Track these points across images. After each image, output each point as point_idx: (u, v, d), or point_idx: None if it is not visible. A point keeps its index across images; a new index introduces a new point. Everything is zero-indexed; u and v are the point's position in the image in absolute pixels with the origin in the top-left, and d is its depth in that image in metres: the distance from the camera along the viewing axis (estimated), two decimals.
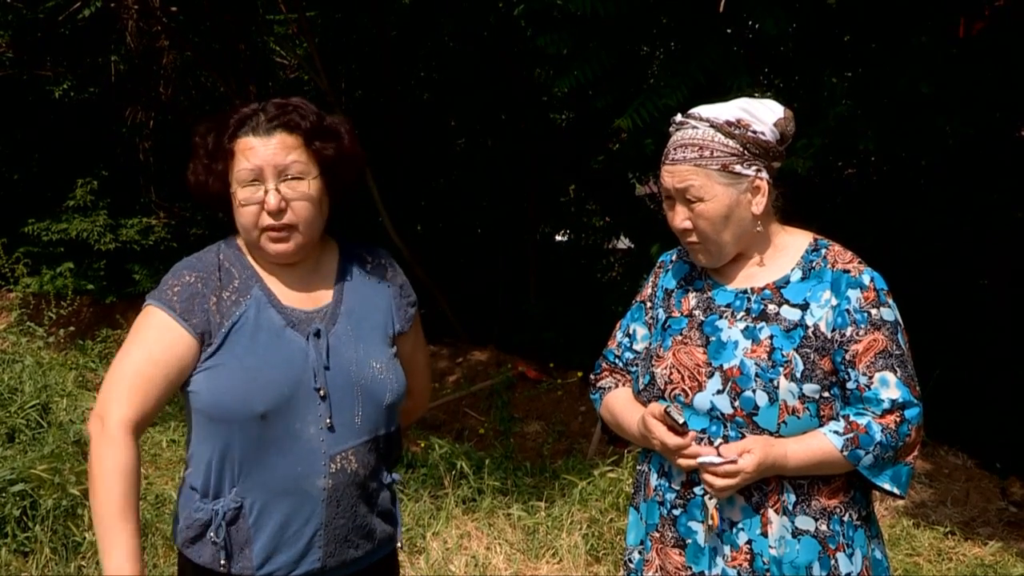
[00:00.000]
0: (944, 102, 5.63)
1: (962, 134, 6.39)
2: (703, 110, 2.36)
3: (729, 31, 5.72)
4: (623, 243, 11.19)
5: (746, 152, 2.30)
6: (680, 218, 2.36)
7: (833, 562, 2.27)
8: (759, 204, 2.33)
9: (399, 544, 2.46)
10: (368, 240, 2.52)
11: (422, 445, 6.29)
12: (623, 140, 8.00)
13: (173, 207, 11.26)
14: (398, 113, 9.99)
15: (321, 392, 2.20)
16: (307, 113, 2.23)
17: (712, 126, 2.32)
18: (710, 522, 2.29)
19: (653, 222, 9.33)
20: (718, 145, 2.30)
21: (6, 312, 9.80)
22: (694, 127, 2.34)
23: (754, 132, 2.32)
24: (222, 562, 2.21)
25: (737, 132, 2.31)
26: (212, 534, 2.21)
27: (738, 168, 2.30)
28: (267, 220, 2.19)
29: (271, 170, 2.17)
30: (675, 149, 2.35)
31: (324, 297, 2.32)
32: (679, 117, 2.39)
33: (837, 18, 6.26)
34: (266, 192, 2.17)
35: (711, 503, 2.28)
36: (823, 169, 7.75)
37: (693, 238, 2.36)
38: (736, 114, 2.33)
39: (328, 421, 2.21)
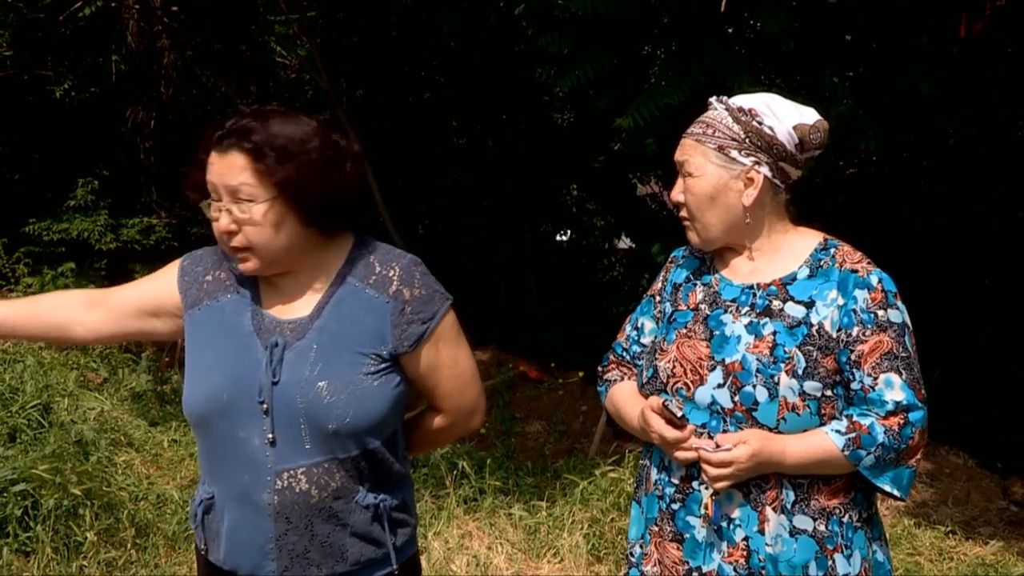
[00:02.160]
0: (945, 102, 5.67)
1: (963, 134, 6.43)
2: (735, 96, 2.41)
3: (730, 31, 5.74)
4: (624, 243, 11.21)
5: (747, 140, 2.31)
6: (676, 191, 2.42)
7: (830, 563, 2.28)
8: (750, 196, 2.33)
9: (393, 570, 2.28)
10: (404, 254, 2.33)
11: None
12: (624, 140, 8.02)
13: (174, 207, 11.25)
14: (399, 113, 10.01)
15: (264, 406, 2.12)
16: (263, 129, 2.11)
17: (726, 109, 2.36)
18: (704, 511, 2.29)
19: (654, 222, 9.39)
20: (722, 127, 2.33)
21: None
22: (715, 108, 2.39)
23: (760, 123, 2.32)
24: (202, 547, 2.28)
25: (743, 119, 2.32)
26: (201, 526, 2.26)
27: (734, 153, 2.31)
28: (225, 240, 2.16)
29: (223, 190, 2.11)
30: (692, 125, 2.41)
31: (305, 307, 2.21)
32: (713, 99, 2.43)
33: (838, 18, 6.28)
34: (219, 212, 2.13)
35: (706, 493, 2.29)
36: (824, 169, 7.78)
37: (684, 213, 2.42)
38: (753, 104, 2.35)
39: (271, 436, 2.12)
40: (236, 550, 2.20)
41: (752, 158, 2.32)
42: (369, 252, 2.27)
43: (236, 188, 2.09)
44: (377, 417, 2.18)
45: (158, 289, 2.32)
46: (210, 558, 2.27)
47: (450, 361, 2.30)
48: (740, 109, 2.33)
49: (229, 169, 2.09)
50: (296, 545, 2.16)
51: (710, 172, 2.33)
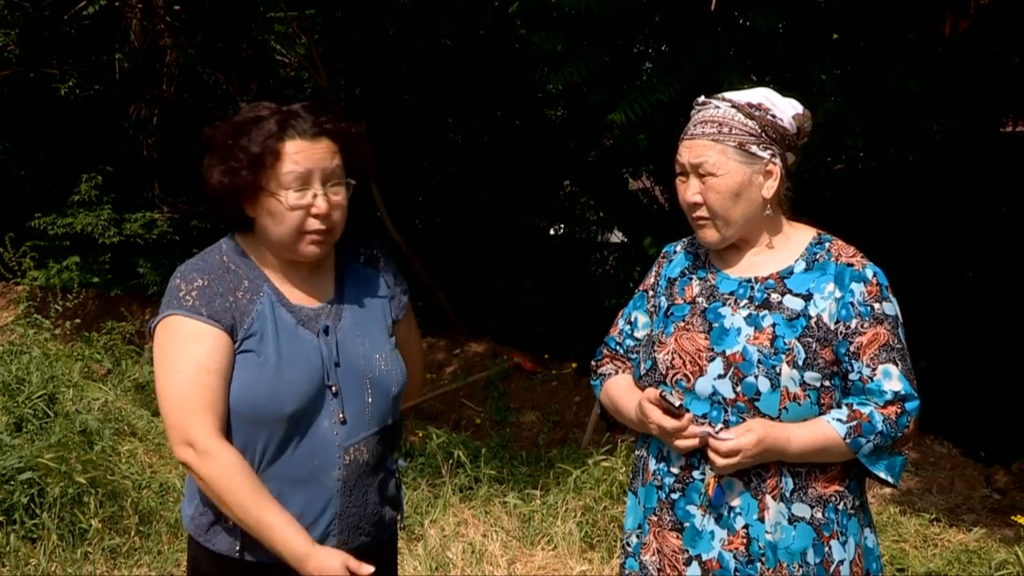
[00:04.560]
0: (930, 99, 5.68)
1: (948, 130, 6.46)
2: (727, 93, 2.42)
3: (720, 29, 5.78)
4: (616, 236, 11.23)
5: (763, 135, 2.35)
6: (692, 192, 2.39)
7: (827, 549, 2.32)
8: (770, 188, 2.37)
9: (400, 526, 2.50)
10: (366, 235, 2.51)
11: (420, 435, 6.34)
12: (616, 136, 8.07)
13: (176, 202, 11.29)
14: (396, 110, 10.03)
15: (333, 388, 2.23)
16: (343, 120, 2.25)
17: (733, 106, 2.37)
18: (704, 491, 2.33)
19: (646, 216, 9.41)
20: (737, 124, 2.35)
21: (14, 305, 9.83)
22: (716, 107, 2.39)
23: (773, 116, 2.37)
24: (238, 549, 2.23)
25: (757, 114, 2.36)
26: (230, 523, 2.21)
27: (754, 148, 2.35)
28: (314, 224, 2.18)
29: (319, 174, 2.17)
30: (695, 126, 2.40)
31: (326, 293, 2.33)
32: (702, 98, 2.44)
33: (826, 16, 6.30)
34: (315, 196, 2.17)
35: (709, 474, 2.32)
36: (812, 165, 7.81)
37: (702, 212, 2.39)
38: (758, 98, 2.39)
39: (341, 416, 2.24)
40: None
41: (769, 151, 2.36)
42: (346, 241, 2.40)
43: (332, 171, 2.21)
44: (407, 380, 2.40)
45: (221, 356, 2.18)
46: (248, 558, 2.25)
47: (416, 329, 2.57)
48: (751, 105, 2.37)
49: (325, 153, 2.20)
50: (353, 519, 2.30)
51: (733, 169, 2.34)
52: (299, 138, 2.17)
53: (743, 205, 2.37)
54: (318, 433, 2.22)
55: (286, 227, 2.19)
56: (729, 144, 2.35)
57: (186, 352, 2.16)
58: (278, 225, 2.19)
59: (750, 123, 2.36)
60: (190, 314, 2.17)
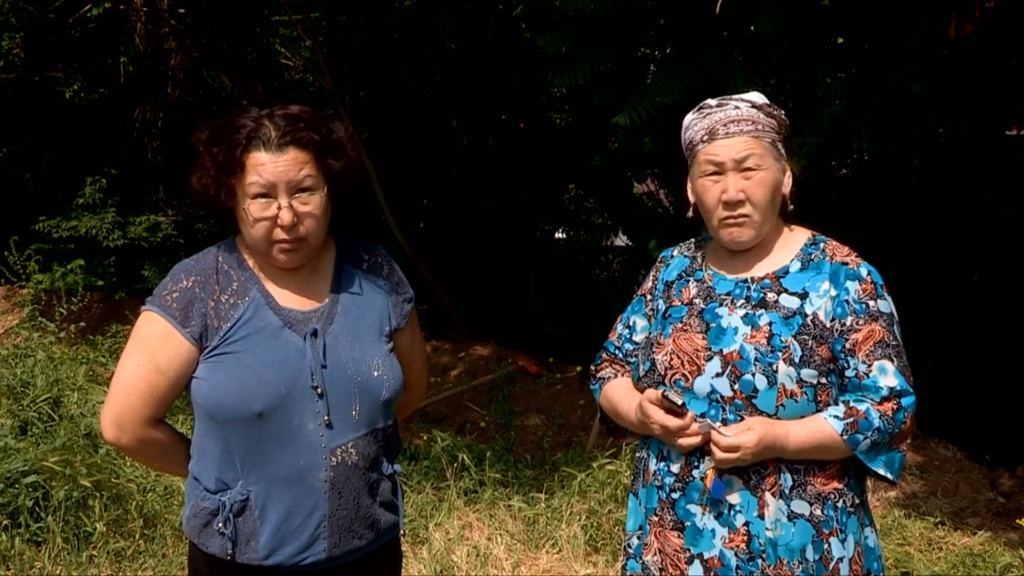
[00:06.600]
0: (935, 102, 5.69)
1: (952, 133, 6.45)
2: (734, 96, 2.45)
3: (725, 32, 5.78)
4: (621, 240, 11.22)
5: (781, 133, 2.42)
6: (735, 188, 2.36)
7: (826, 546, 2.33)
8: (788, 185, 2.43)
9: (401, 532, 2.50)
10: (370, 237, 2.51)
11: (424, 438, 6.35)
12: (621, 139, 8.07)
13: (181, 205, 11.32)
14: (401, 113, 10.04)
15: (319, 390, 2.24)
16: (317, 127, 2.23)
17: (754, 107, 2.40)
18: (702, 482, 2.35)
19: (651, 219, 9.41)
20: (764, 122, 2.39)
21: (18, 308, 9.86)
22: (736, 107, 2.40)
23: (783, 116, 2.43)
24: (228, 552, 2.27)
25: (775, 113, 2.41)
26: (220, 525, 2.27)
27: (780, 146, 2.41)
28: (280, 235, 2.21)
29: (283, 186, 2.18)
30: (725, 125, 2.39)
31: (321, 297, 2.34)
32: (713, 101, 2.44)
33: (831, 19, 6.32)
34: (279, 208, 2.18)
35: (707, 464, 2.33)
36: (817, 168, 7.81)
37: (745, 209, 2.38)
38: (762, 99, 2.43)
39: (326, 418, 2.25)
40: (286, 538, 2.27)
41: (784, 149, 2.42)
42: (352, 246, 2.46)
43: (300, 181, 2.20)
44: (401, 387, 2.40)
45: (178, 365, 2.27)
46: (240, 560, 2.29)
47: (420, 336, 2.59)
48: (768, 105, 2.41)
49: (291, 165, 2.19)
50: (344, 520, 2.31)
51: (770, 164, 2.37)
52: (263, 150, 2.19)
53: (776, 201, 2.41)
54: (302, 434, 2.24)
55: (255, 237, 2.24)
56: (766, 140, 2.39)
57: (150, 350, 2.27)
58: (249, 232, 2.25)
59: (773, 122, 2.40)
60: (166, 315, 2.25)
